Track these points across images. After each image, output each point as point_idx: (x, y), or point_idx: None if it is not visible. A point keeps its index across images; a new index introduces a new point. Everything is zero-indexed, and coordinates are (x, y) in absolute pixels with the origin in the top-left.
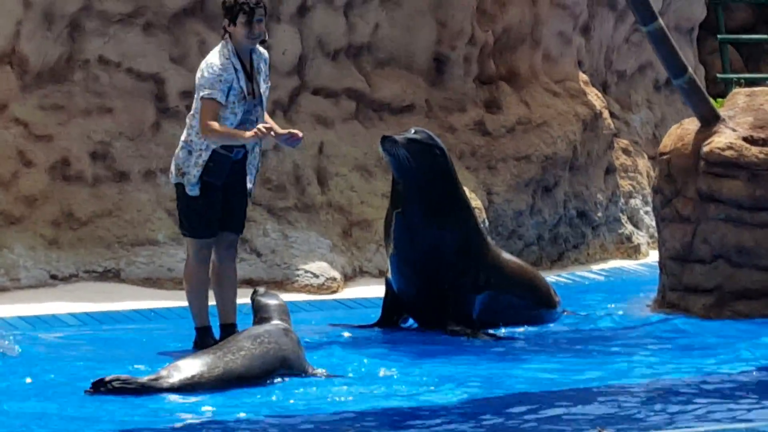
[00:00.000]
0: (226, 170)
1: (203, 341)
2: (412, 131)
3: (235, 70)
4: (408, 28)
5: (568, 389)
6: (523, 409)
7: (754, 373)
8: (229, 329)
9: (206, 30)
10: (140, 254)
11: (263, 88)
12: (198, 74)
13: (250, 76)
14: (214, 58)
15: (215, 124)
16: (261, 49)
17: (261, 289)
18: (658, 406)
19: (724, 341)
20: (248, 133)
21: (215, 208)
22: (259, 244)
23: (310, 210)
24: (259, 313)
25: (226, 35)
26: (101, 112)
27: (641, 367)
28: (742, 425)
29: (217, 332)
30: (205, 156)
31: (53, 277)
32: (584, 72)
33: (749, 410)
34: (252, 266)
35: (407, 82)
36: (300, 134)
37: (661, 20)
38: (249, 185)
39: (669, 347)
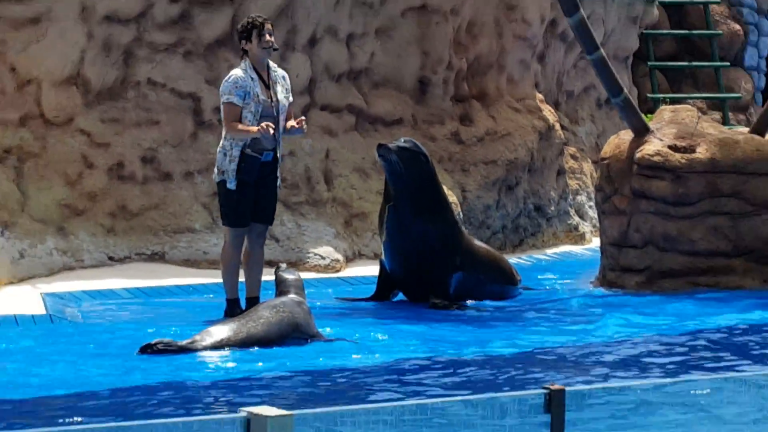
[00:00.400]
0: (256, 170)
1: (232, 311)
2: (402, 140)
3: (252, 79)
4: (398, 56)
5: (528, 350)
6: (490, 365)
7: (678, 336)
8: (253, 301)
9: (234, 57)
10: (181, 240)
11: (281, 97)
12: (222, 85)
13: (267, 85)
14: (234, 71)
15: (234, 124)
16: (279, 69)
17: (283, 266)
18: (600, 363)
19: (652, 311)
20: (254, 128)
21: (248, 202)
22: (277, 232)
23: (318, 204)
24: (280, 286)
25: (244, 55)
26: (149, 124)
27: (587, 331)
28: (668, 380)
29: (242, 303)
30: (236, 155)
31: (110, 258)
32: (540, 92)
33: (677, 364)
34: (272, 249)
35: (397, 100)
36: (303, 123)
37: (602, 50)
38: (279, 182)
39: (609, 316)
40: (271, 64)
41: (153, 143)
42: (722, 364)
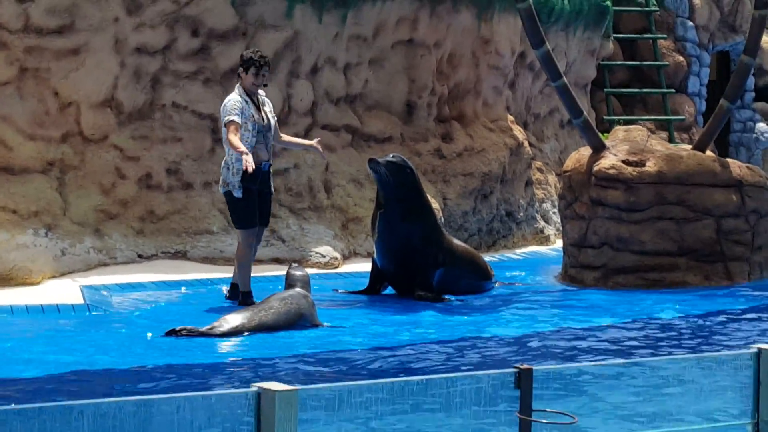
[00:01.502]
0: (258, 178)
1: (246, 301)
2: (390, 156)
3: (246, 102)
4: (388, 82)
5: (500, 336)
6: (467, 348)
7: (630, 323)
8: (237, 287)
9: None
10: (201, 240)
11: (270, 117)
12: (221, 109)
13: (258, 108)
14: (231, 96)
15: (235, 139)
16: (266, 97)
17: (295, 264)
18: (565, 347)
19: (608, 302)
20: (246, 153)
21: (254, 206)
22: (283, 233)
23: (319, 210)
24: (288, 281)
25: (239, 79)
26: (174, 141)
27: (552, 320)
28: (621, 360)
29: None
30: (240, 168)
31: (140, 256)
32: (511, 114)
33: (628, 347)
34: (279, 249)
35: (387, 121)
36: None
37: (564, 78)
38: (272, 189)
39: (571, 307)
40: (259, 90)
41: (177, 157)
42: (667, 347)
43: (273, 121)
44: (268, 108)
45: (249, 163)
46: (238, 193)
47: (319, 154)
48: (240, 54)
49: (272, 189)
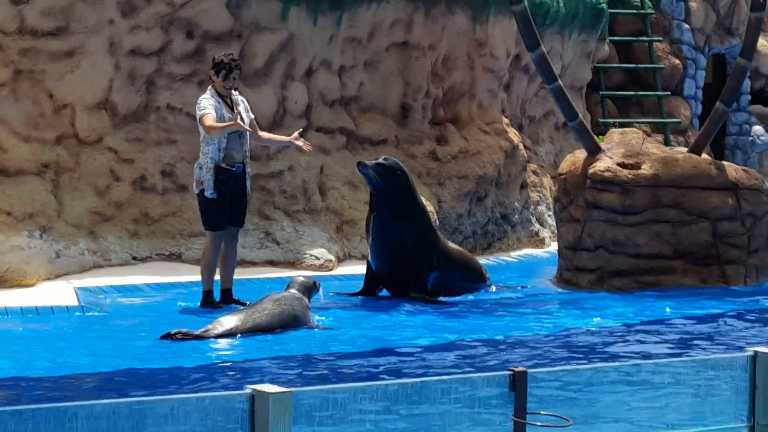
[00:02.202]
0: (230, 181)
1: (206, 301)
2: (381, 158)
3: (218, 102)
4: (383, 85)
5: (495, 338)
6: (462, 350)
7: (625, 326)
8: (227, 293)
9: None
10: (195, 242)
11: (244, 116)
12: (197, 109)
13: (231, 107)
14: (202, 96)
15: (215, 124)
16: (238, 95)
17: (305, 273)
18: (558, 349)
19: (603, 305)
20: (232, 124)
21: (225, 209)
22: (278, 236)
23: (314, 212)
24: (288, 284)
25: (210, 81)
26: (168, 143)
27: (547, 322)
28: (615, 363)
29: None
30: (212, 170)
31: (134, 258)
32: (506, 117)
33: (623, 350)
34: (273, 251)
35: (382, 123)
36: (309, 147)
37: (560, 81)
38: (248, 190)
39: (566, 309)
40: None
41: (171, 159)
42: (665, 350)
43: (247, 120)
44: (242, 108)
45: (238, 124)
46: (212, 194)
47: (300, 148)
48: (213, 57)
49: (248, 190)
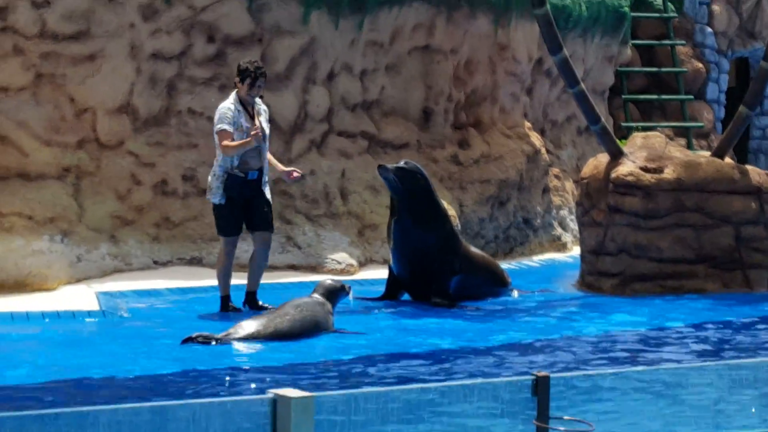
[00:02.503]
0: (238, 186)
1: (224, 306)
2: (402, 162)
3: (238, 111)
4: (405, 89)
5: (518, 342)
6: (485, 355)
7: (647, 331)
8: (251, 295)
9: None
10: (216, 247)
11: (265, 126)
12: (215, 115)
13: (252, 117)
14: (224, 103)
15: (230, 143)
16: (262, 104)
17: (335, 278)
18: (582, 354)
19: (625, 309)
20: (247, 139)
21: (235, 216)
22: (299, 240)
23: (335, 217)
24: (315, 288)
25: (235, 87)
26: (189, 147)
27: (570, 327)
28: (640, 368)
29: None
30: (220, 174)
31: (155, 262)
32: (528, 121)
33: (647, 355)
34: (295, 256)
35: (404, 127)
36: (299, 173)
37: (582, 84)
38: (268, 196)
39: (588, 313)
40: (256, 99)
41: (192, 163)
42: (687, 355)
43: (267, 130)
44: (263, 117)
45: (254, 136)
46: (221, 200)
47: (290, 179)
48: (238, 63)
49: (267, 197)
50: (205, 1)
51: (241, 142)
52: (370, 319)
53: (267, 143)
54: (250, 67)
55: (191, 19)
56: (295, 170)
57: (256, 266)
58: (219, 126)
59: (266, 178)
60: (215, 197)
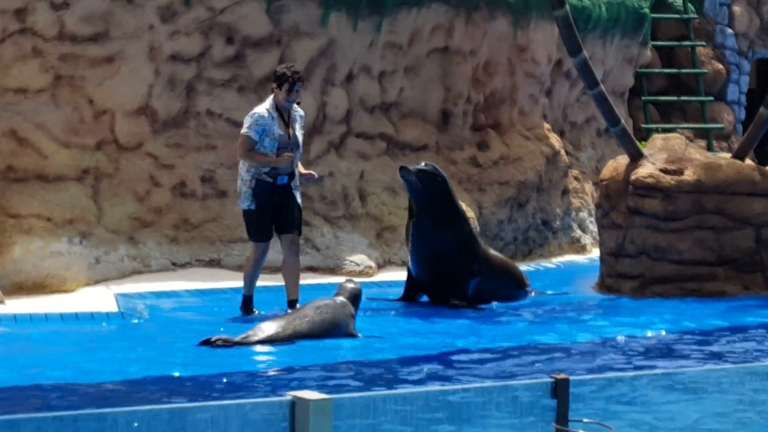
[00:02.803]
0: (268, 191)
1: (245, 306)
2: (422, 164)
3: (272, 117)
4: (423, 91)
5: (537, 345)
6: (504, 357)
7: (668, 333)
8: (293, 303)
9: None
10: (234, 248)
11: (298, 133)
12: (246, 119)
13: (287, 123)
14: (259, 108)
15: (252, 153)
16: (299, 110)
17: (354, 279)
18: (602, 357)
19: (645, 311)
20: (274, 159)
21: (266, 220)
22: (318, 242)
23: (353, 218)
24: (337, 290)
25: (272, 93)
26: (208, 149)
27: (589, 329)
28: (659, 370)
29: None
30: (248, 179)
31: (174, 264)
32: (547, 122)
33: (666, 357)
34: (313, 258)
35: (423, 129)
36: (315, 175)
37: (602, 86)
38: (299, 200)
39: (607, 316)
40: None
41: (211, 165)
42: (707, 357)
43: (300, 139)
44: (297, 125)
45: (285, 160)
46: (251, 206)
47: (308, 180)
48: (275, 66)
49: (298, 200)
50: (223, 2)
51: (268, 159)
52: (389, 321)
53: (300, 149)
54: (288, 72)
55: (210, 21)
56: (312, 173)
57: (291, 273)
58: (246, 131)
59: (297, 183)
60: (244, 203)
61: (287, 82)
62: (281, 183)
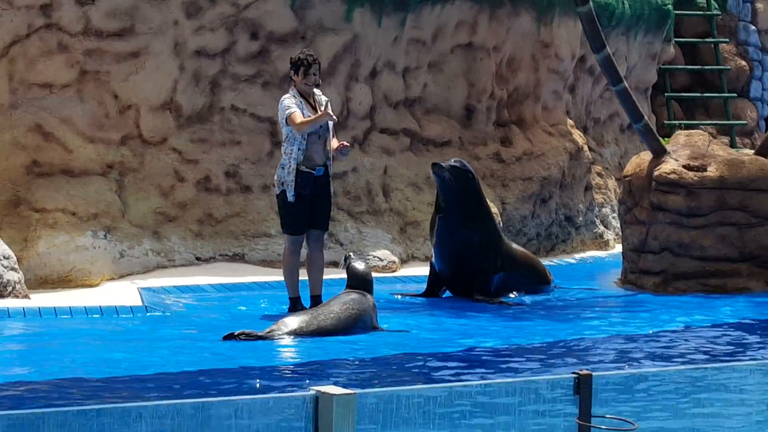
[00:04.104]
0: (310, 184)
1: (294, 307)
2: (452, 160)
3: (299, 102)
4: (447, 87)
5: (560, 340)
6: (526, 353)
7: (691, 329)
8: (317, 299)
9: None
10: (259, 243)
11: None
12: (279, 109)
13: (315, 109)
14: (285, 96)
15: (303, 122)
16: (322, 95)
17: (352, 255)
18: (624, 353)
19: (668, 307)
20: (320, 115)
21: (304, 213)
22: (341, 237)
23: (377, 214)
24: (350, 280)
25: (292, 82)
26: (232, 144)
27: (612, 324)
28: (682, 367)
29: (306, 302)
30: (293, 169)
31: (198, 258)
32: (571, 118)
33: (690, 353)
34: (336, 252)
35: (446, 125)
36: (348, 145)
37: (625, 82)
38: (331, 193)
39: (630, 312)
40: (315, 90)
41: (235, 160)
42: (728, 354)
43: (331, 123)
44: (324, 109)
45: (326, 113)
46: (290, 197)
47: (341, 151)
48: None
49: (331, 193)
50: None
51: (313, 117)
52: (412, 316)
53: (331, 133)
54: (301, 56)
55: (235, 17)
56: (344, 143)
57: (316, 269)
58: (287, 111)
59: (331, 174)
60: (289, 194)
61: (303, 66)
62: (318, 174)
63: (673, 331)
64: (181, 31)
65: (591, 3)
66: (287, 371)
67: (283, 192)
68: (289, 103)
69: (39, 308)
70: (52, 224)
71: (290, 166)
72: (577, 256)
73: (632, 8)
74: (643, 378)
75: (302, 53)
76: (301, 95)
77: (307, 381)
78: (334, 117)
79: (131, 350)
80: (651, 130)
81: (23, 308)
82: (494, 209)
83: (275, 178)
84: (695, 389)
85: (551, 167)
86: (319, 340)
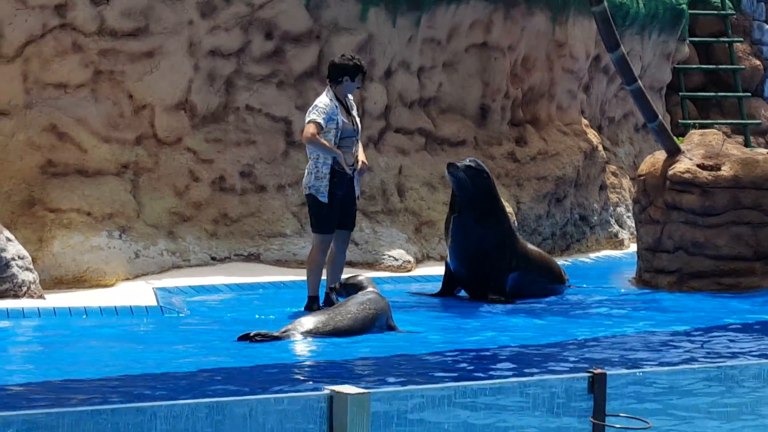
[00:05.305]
0: (345, 184)
1: (311, 305)
2: (467, 160)
3: (336, 107)
4: (462, 86)
5: (575, 339)
6: (541, 352)
7: (705, 328)
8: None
9: (321, 86)
10: (274, 243)
11: (358, 121)
12: (310, 108)
13: (348, 113)
14: (322, 97)
15: (317, 136)
16: (352, 100)
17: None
18: (640, 352)
19: (682, 307)
20: (338, 151)
21: (335, 213)
22: (356, 237)
23: (392, 213)
24: (357, 289)
25: (332, 84)
26: (247, 144)
27: (627, 323)
28: (698, 365)
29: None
30: (326, 173)
31: (213, 258)
32: (585, 118)
33: (705, 352)
34: (352, 252)
35: (461, 124)
36: (367, 167)
37: (639, 82)
38: (357, 192)
39: (645, 311)
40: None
41: (250, 160)
42: (742, 353)
43: (360, 126)
44: (355, 112)
45: (342, 163)
46: (324, 198)
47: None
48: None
49: (357, 193)
50: None
51: (332, 147)
52: (427, 315)
53: (359, 135)
54: (360, 64)
55: (249, 16)
56: (364, 162)
57: (337, 269)
58: (313, 116)
59: (357, 175)
60: (321, 196)
61: (362, 73)
62: (351, 175)
63: (688, 330)
64: (195, 30)
65: (605, 2)
66: (302, 371)
67: (315, 194)
68: (322, 110)
69: (54, 308)
70: (66, 224)
71: (322, 170)
72: (592, 255)
73: (647, 8)
74: (658, 376)
75: (358, 60)
76: (338, 98)
77: (321, 380)
78: (347, 170)
79: (145, 350)
80: (665, 130)
81: (38, 308)
82: (509, 209)
83: (305, 180)
84: (710, 387)
85: (566, 167)
86: (334, 340)
